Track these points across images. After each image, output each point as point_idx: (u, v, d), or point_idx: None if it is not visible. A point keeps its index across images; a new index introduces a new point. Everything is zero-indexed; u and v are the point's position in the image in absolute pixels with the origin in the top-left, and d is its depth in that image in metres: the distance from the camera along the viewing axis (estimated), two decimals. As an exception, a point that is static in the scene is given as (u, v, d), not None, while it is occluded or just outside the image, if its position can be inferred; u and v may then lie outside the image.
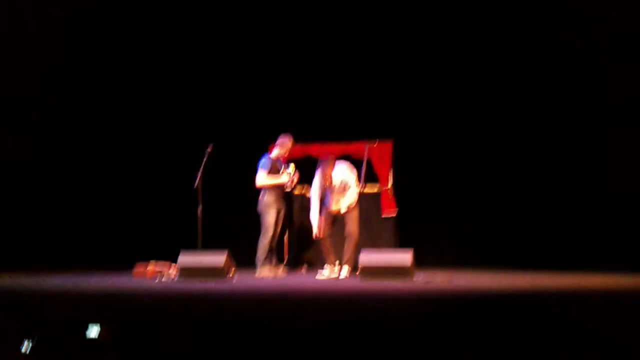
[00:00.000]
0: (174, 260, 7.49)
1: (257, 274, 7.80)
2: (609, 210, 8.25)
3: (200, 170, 7.92)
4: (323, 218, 7.87)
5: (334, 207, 7.86)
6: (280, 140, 8.12)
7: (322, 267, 7.95)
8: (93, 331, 3.08)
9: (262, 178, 7.93)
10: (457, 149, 9.09)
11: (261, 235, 7.94)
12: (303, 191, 8.98)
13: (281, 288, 6.54)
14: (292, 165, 8.15)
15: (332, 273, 7.71)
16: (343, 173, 7.84)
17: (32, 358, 2.67)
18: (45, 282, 7.02)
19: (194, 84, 9.71)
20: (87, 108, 9.52)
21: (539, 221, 8.54)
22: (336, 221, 7.92)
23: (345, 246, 7.76)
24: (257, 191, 8.04)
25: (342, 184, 7.80)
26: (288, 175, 8.03)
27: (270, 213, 7.93)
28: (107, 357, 3.00)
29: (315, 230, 7.84)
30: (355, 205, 7.84)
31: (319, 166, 7.83)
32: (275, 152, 8.13)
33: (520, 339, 4.13)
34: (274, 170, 7.99)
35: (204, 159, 7.97)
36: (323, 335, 4.23)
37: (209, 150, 8.03)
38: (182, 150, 9.27)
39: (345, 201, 7.82)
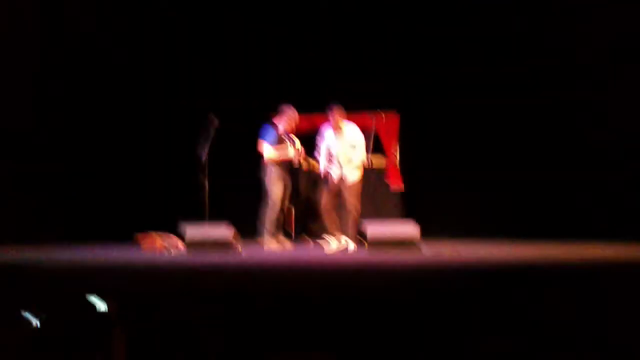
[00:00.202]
0: (173, 231, 7.48)
1: (264, 247, 7.79)
2: (617, 182, 8.21)
3: (208, 143, 7.86)
4: (326, 191, 7.83)
5: (337, 172, 7.77)
6: (285, 113, 8.00)
7: (327, 240, 7.93)
8: (101, 306, 3.08)
9: (270, 151, 7.88)
10: (462, 121, 9.03)
11: (268, 208, 7.89)
12: (310, 166, 8.95)
13: (290, 261, 6.54)
14: (298, 142, 8.08)
15: (339, 246, 7.70)
16: (353, 130, 7.76)
17: (39, 333, 2.67)
18: (49, 255, 7.02)
19: (196, 52, 9.62)
20: (87, 75, 9.43)
21: (545, 192, 8.52)
22: (339, 195, 7.85)
23: (346, 221, 7.73)
24: (259, 160, 7.97)
25: (350, 141, 7.72)
26: (296, 151, 7.97)
27: (277, 187, 7.89)
28: (115, 331, 3.00)
29: (321, 168, 7.81)
30: (358, 181, 7.77)
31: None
32: (279, 121, 8.02)
33: (529, 310, 4.11)
34: (278, 140, 7.92)
35: (211, 132, 7.90)
36: (333, 307, 4.23)
37: (215, 123, 7.95)
38: (181, 120, 9.22)
39: (351, 168, 7.74)
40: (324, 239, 7.97)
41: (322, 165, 7.87)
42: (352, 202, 7.71)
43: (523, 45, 8.76)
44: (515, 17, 8.79)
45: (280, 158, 7.91)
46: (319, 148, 7.92)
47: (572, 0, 8.55)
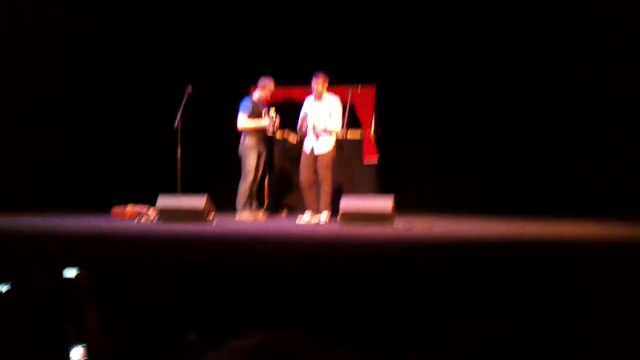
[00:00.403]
0: (152, 204, 7.44)
1: (237, 218, 7.76)
2: (593, 157, 8.27)
3: (180, 110, 7.78)
4: (304, 165, 7.81)
5: (310, 143, 7.74)
6: (262, 82, 7.97)
7: (302, 213, 7.92)
8: (70, 273, 3.03)
9: (243, 121, 7.81)
10: (439, 95, 9.03)
11: (241, 179, 7.86)
12: (285, 135, 8.91)
13: (261, 232, 6.52)
14: (273, 109, 8.02)
15: (312, 218, 7.69)
16: (333, 100, 7.72)
17: (7, 300, 2.62)
18: (21, 223, 6.93)
19: (173, 23, 9.48)
20: (67, 46, 9.27)
21: (521, 168, 8.57)
22: (314, 167, 7.81)
23: (320, 192, 7.71)
24: (238, 134, 7.93)
25: (329, 110, 7.68)
26: (270, 119, 7.91)
27: (251, 156, 7.84)
28: (85, 300, 2.96)
29: (299, 123, 7.76)
30: (330, 151, 7.74)
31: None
32: (257, 95, 8.00)
33: (501, 285, 4.14)
34: (255, 113, 7.87)
35: (184, 100, 7.83)
36: (303, 279, 4.23)
37: (188, 90, 7.88)
38: (160, 92, 9.11)
39: (325, 138, 7.69)
40: (297, 211, 7.96)
41: (299, 127, 7.80)
42: (324, 173, 7.68)
43: (501, 14, 8.71)
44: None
45: (254, 127, 7.84)
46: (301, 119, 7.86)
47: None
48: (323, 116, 7.70)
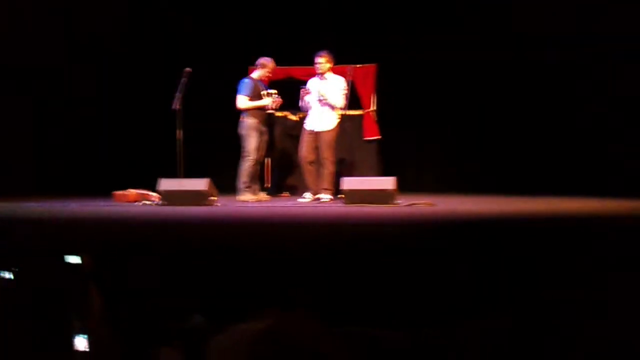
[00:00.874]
0: (153, 188, 7.42)
1: (238, 199, 7.73)
2: (594, 138, 8.24)
3: (179, 91, 7.71)
4: (302, 140, 7.76)
5: (311, 122, 7.71)
6: (261, 61, 7.90)
7: (303, 193, 7.90)
8: (73, 259, 3.01)
9: (243, 101, 7.76)
10: (440, 74, 8.97)
11: (242, 159, 7.81)
12: (285, 113, 8.86)
13: (263, 213, 6.50)
14: (274, 92, 7.95)
15: (313, 198, 7.66)
16: (338, 79, 7.67)
17: (10, 287, 2.60)
18: (23, 208, 6.91)
19: (173, 3, 9.40)
20: (68, 30, 9.21)
21: (523, 147, 8.55)
22: (315, 145, 7.77)
23: (321, 170, 7.67)
24: (238, 115, 7.88)
25: (333, 87, 7.61)
26: (270, 97, 7.84)
27: (252, 136, 7.79)
28: (88, 286, 2.95)
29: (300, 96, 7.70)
30: (333, 129, 7.69)
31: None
32: (257, 73, 7.93)
33: (505, 262, 4.12)
34: (255, 92, 7.81)
35: (183, 81, 7.76)
36: (307, 259, 4.20)
37: (187, 71, 7.80)
38: (160, 76, 9.04)
39: (327, 115, 7.64)
40: (299, 191, 7.92)
41: (300, 100, 7.76)
42: (326, 152, 7.64)
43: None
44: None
45: (255, 107, 7.78)
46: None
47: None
48: (329, 93, 7.64)
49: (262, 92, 7.84)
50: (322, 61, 7.61)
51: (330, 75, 7.68)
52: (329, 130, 7.64)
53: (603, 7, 8.00)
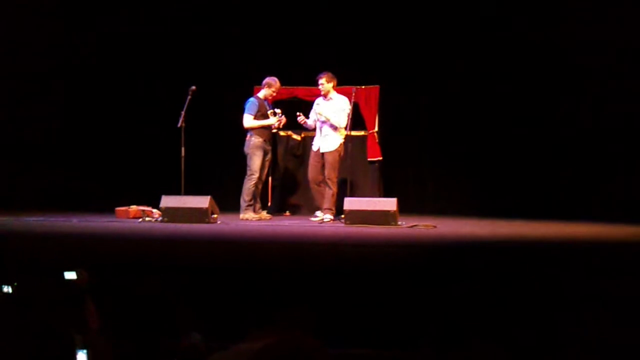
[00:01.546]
0: (156, 205, 7.42)
1: (240, 217, 7.73)
2: (593, 163, 8.22)
3: (184, 109, 7.73)
4: (310, 161, 7.81)
5: (317, 142, 7.75)
6: (267, 80, 7.94)
7: (306, 212, 7.91)
8: (71, 275, 3.01)
9: (249, 120, 7.79)
10: (443, 97, 8.99)
11: (246, 177, 7.83)
12: (289, 133, 8.89)
13: (264, 232, 6.50)
14: (279, 111, 7.97)
15: (320, 218, 7.63)
16: (343, 99, 7.69)
17: (10, 302, 2.60)
18: (24, 223, 6.92)
19: (178, 22, 9.44)
20: (66, 49, 9.27)
21: (525, 171, 8.53)
22: (321, 165, 7.79)
23: (325, 191, 7.69)
24: (242, 134, 7.91)
25: (337, 109, 7.66)
26: (276, 116, 7.87)
27: (257, 155, 7.81)
28: (86, 302, 2.94)
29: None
30: (336, 150, 7.70)
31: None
32: (262, 93, 7.96)
33: (506, 282, 4.12)
34: (261, 111, 7.83)
35: (187, 99, 7.79)
36: (307, 278, 4.20)
37: (192, 89, 7.83)
38: (165, 94, 9.06)
39: (331, 135, 7.68)
40: (301, 210, 7.90)
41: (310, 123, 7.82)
42: (329, 172, 7.67)
43: (504, 27, 8.68)
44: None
45: (260, 125, 7.82)
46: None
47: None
48: (331, 114, 7.68)
49: (268, 112, 7.87)
50: (323, 82, 7.67)
51: (334, 95, 7.72)
52: (331, 151, 7.67)
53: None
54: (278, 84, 7.92)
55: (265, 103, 7.92)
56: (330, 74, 7.69)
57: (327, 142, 7.70)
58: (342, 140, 7.69)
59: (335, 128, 7.66)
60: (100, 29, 9.26)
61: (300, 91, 8.67)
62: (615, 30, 8.01)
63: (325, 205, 7.64)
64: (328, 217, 7.58)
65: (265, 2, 9.24)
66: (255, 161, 7.79)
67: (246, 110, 7.81)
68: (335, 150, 7.68)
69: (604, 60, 8.08)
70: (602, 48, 8.09)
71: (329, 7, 9.07)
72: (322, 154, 7.71)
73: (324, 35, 9.07)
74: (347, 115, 7.63)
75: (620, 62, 8.06)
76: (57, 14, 9.16)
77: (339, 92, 7.87)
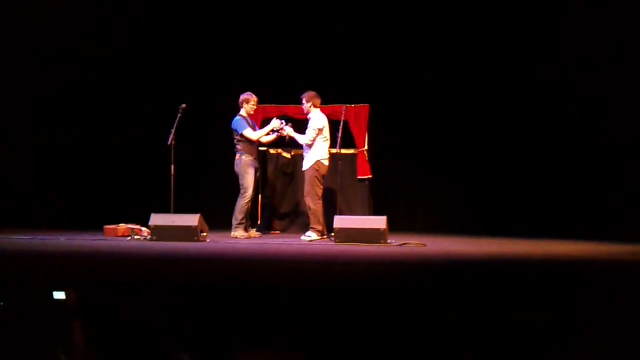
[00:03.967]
0: (145, 223, 7.40)
1: (232, 235, 7.71)
2: (584, 180, 8.23)
3: (174, 127, 7.73)
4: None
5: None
6: (244, 97, 7.98)
7: (295, 230, 7.89)
8: (60, 295, 2.99)
9: (251, 133, 7.85)
10: (432, 115, 9.02)
11: (240, 196, 7.82)
12: (279, 151, 8.90)
13: (253, 250, 6.48)
14: (277, 121, 8.00)
15: (315, 236, 7.58)
16: (314, 116, 7.74)
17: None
18: (12, 242, 6.87)
19: (168, 41, 9.45)
20: (56, 65, 9.27)
21: (514, 189, 8.54)
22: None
23: (307, 208, 7.71)
24: (232, 154, 7.92)
25: (309, 127, 7.72)
26: (278, 120, 7.94)
27: (249, 173, 7.83)
28: (73, 322, 2.92)
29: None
30: (310, 168, 7.70)
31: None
32: (244, 110, 7.99)
33: (496, 300, 4.12)
34: (249, 126, 7.92)
35: (177, 117, 7.79)
36: (297, 297, 4.18)
37: (182, 107, 7.84)
38: (154, 112, 9.05)
39: (307, 155, 7.75)
40: (291, 228, 7.87)
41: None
42: (307, 190, 7.72)
43: (493, 43, 8.72)
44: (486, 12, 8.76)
45: (263, 135, 7.93)
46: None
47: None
48: (308, 131, 7.73)
49: (253, 127, 7.96)
50: (304, 102, 7.78)
51: (312, 114, 7.78)
52: (307, 169, 7.75)
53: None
54: (254, 96, 8.01)
55: (249, 120, 7.98)
56: (311, 94, 7.74)
57: (306, 160, 7.81)
58: (318, 158, 7.71)
59: (309, 146, 7.72)
60: (89, 49, 9.26)
61: (290, 109, 8.69)
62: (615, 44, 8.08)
63: (310, 223, 7.64)
64: (312, 235, 7.53)
65: (256, 21, 9.28)
66: (248, 179, 7.80)
67: (240, 129, 7.84)
68: (311, 167, 7.72)
69: (598, 79, 8.13)
70: (599, 62, 8.15)
71: (320, 25, 9.11)
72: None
73: (314, 54, 9.11)
74: (315, 131, 7.66)
75: (616, 75, 8.10)
76: (51, 24, 9.17)
77: (328, 110, 7.91)
